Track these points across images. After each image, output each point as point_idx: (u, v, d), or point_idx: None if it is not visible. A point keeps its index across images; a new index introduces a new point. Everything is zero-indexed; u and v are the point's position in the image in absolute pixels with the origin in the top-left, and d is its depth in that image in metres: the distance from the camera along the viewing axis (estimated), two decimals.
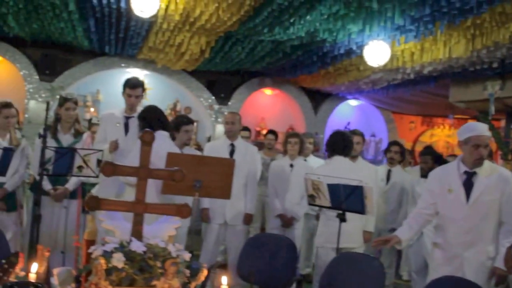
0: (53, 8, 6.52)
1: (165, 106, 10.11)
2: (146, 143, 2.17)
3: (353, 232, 4.44)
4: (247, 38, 7.18)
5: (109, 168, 2.13)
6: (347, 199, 3.94)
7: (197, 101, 10.28)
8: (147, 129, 2.32)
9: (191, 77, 10.03)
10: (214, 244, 5.21)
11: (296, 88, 10.75)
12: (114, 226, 2.21)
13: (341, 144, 4.62)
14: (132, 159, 3.96)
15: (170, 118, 9.81)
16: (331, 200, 4.04)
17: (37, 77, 9.35)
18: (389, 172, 5.93)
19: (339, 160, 4.59)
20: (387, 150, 6.10)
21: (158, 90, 10.11)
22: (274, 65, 8.91)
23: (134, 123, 4.74)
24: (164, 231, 2.22)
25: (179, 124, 5.01)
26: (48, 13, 6.78)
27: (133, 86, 4.81)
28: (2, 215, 4.92)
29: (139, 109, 4.84)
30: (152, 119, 4.25)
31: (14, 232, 4.93)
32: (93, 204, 2.12)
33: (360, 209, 3.97)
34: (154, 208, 2.17)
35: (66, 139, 5.02)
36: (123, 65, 9.72)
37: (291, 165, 5.72)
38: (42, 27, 7.67)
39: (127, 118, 4.84)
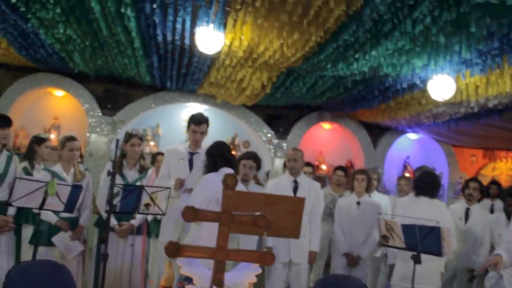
0: (118, 45, 6.69)
1: (223, 139, 10.16)
2: (229, 187, 2.09)
3: (429, 274, 4.27)
4: (309, 73, 7.16)
5: (190, 213, 2.07)
6: (423, 240, 3.86)
7: (256, 135, 10.30)
8: (228, 172, 2.25)
9: (250, 111, 10.09)
10: (277, 283, 5.12)
11: (354, 122, 10.62)
12: (193, 273, 2.13)
13: (430, 185, 4.50)
14: (192, 198, 3.96)
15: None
16: (406, 241, 3.98)
17: (99, 111, 9.55)
18: (467, 210, 5.68)
19: (424, 201, 4.46)
20: (465, 187, 5.90)
21: (217, 124, 10.12)
22: (333, 100, 8.84)
23: (198, 159, 4.77)
24: (245, 278, 2.15)
25: (238, 158, 5.05)
26: (113, 50, 6.97)
27: (199, 123, 4.88)
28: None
29: (204, 145, 4.86)
30: (218, 156, 4.23)
31: (77, 265, 4.99)
32: (173, 251, 2.04)
33: (437, 251, 3.92)
34: (236, 255, 2.10)
35: (131, 175, 5.13)
36: (183, 100, 9.88)
37: (358, 203, 5.59)
38: (106, 63, 7.91)
39: (192, 154, 4.89)
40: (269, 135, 10.24)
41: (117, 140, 4.26)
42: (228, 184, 2.13)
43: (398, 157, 10.98)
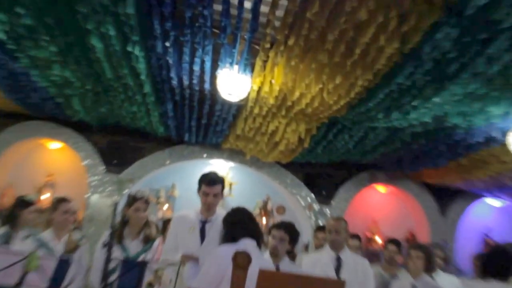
0: (125, 90, 6.82)
1: (253, 205, 10.32)
2: (239, 266, 2.17)
3: None
4: (357, 124, 7.14)
5: None
6: None
7: (293, 200, 10.29)
8: (249, 243, 2.22)
9: (286, 170, 10.14)
10: None
11: (417, 184, 10.51)
12: None
13: (501, 265, 4.37)
14: (202, 276, 3.87)
15: (259, 220, 10.24)
16: None
17: (102, 167, 9.76)
18: None
19: (494, 286, 4.29)
20: None
21: (246, 185, 10.38)
22: (389, 157, 8.77)
23: (212, 229, 4.74)
24: None
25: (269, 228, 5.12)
26: (120, 96, 7.11)
27: (211, 183, 4.88)
28: None
29: (220, 210, 4.85)
30: (237, 224, 4.19)
31: None
32: None
33: None
34: None
35: (134, 246, 5.13)
36: (204, 155, 10.01)
37: (414, 286, 5.40)
38: (111, 111, 8.07)
39: (204, 222, 4.86)
40: (309, 199, 10.20)
41: (116, 204, 4.28)
42: (239, 262, 2.10)
43: (475, 228, 10.68)
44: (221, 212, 4.69)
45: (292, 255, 6.57)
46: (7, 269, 4.00)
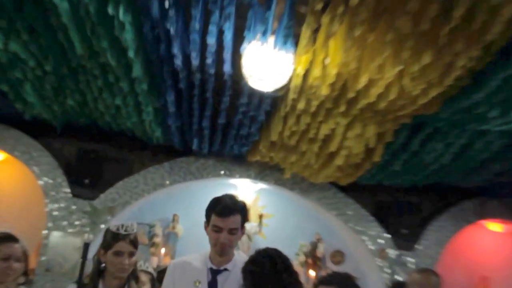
0: (103, 73, 6.89)
1: (295, 249, 10.47)
2: None
3: None
4: (457, 127, 7.14)
5: None
6: None
7: (357, 242, 10.33)
8: None
9: (347, 196, 10.21)
10: None
11: None
12: None
13: None
14: None
15: (303, 272, 10.29)
16: None
17: (67, 190, 9.93)
18: None
19: None
20: None
21: (284, 219, 10.56)
22: (507, 177, 8.73)
23: (227, 283, 4.73)
24: None
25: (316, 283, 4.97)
26: (96, 82, 7.19)
27: (225, 212, 4.73)
28: None
29: (240, 255, 4.85)
30: (264, 278, 4.19)
31: None
32: None
33: None
34: None
35: None
36: (222, 172, 10.13)
37: None
38: (82, 105, 8.17)
39: (215, 273, 4.80)
40: (381, 240, 10.24)
41: (87, 246, 4.32)
42: None
43: None
44: (241, 257, 4.67)
45: None
46: None
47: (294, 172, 9.54)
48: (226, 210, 4.63)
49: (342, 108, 6.90)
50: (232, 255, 4.75)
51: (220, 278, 4.69)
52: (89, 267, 5.05)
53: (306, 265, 10.30)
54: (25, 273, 6.12)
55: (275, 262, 4.20)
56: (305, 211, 10.56)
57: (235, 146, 9.18)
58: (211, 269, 4.70)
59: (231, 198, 4.83)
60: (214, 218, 4.66)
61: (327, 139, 7.88)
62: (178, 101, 7.63)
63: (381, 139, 7.71)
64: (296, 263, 10.20)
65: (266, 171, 10.06)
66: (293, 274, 4.25)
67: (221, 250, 4.72)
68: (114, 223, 4.93)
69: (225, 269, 4.67)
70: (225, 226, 4.68)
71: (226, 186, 10.33)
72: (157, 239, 10.23)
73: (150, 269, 6.69)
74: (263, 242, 9.87)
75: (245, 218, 4.78)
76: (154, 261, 9.94)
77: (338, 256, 10.54)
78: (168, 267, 5.00)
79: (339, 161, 8.45)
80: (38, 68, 6.92)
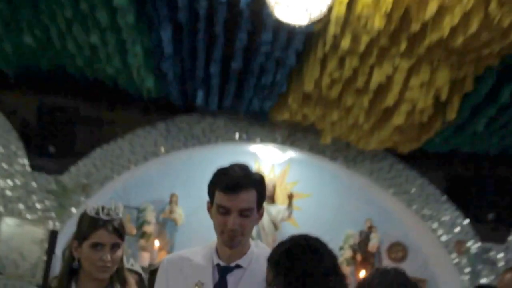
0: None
1: (339, 241, 10.60)
2: None
3: None
4: None
5: None
6: None
7: (423, 230, 10.41)
8: None
9: (408, 168, 10.28)
10: None
11: None
12: None
13: None
14: None
15: (350, 271, 10.40)
16: None
17: (24, 161, 10.17)
18: None
19: None
20: None
21: (323, 199, 10.61)
22: None
23: (241, 283, 4.74)
24: None
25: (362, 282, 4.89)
26: (62, 10, 7.26)
27: (232, 188, 4.75)
28: None
29: (258, 246, 4.85)
30: (300, 279, 4.21)
31: None
32: None
33: None
34: None
35: None
36: (237, 136, 10.25)
37: None
38: (46, 44, 8.28)
39: (223, 270, 4.82)
40: (457, 229, 10.31)
41: (54, 234, 4.27)
42: None
43: None
44: (261, 250, 4.51)
45: None
46: None
47: (336, 135, 9.59)
48: (235, 184, 4.39)
49: (403, 47, 6.95)
50: (247, 247, 4.51)
51: (230, 278, 4.48)
52: (57, 266, 5.13)
53: (354, 263, 10.38)
54: None
55: (322, 258, 4.07)
56: (352, 189, 10.61)
57: (255, 100, 9.28)
58: (218, 266, 4.49)
59: (243, 168, 4.61)
60: (219, 196, 4.43)
61: (382, 89, 7.94)
62: (177, 39, 7.69)
63: (458, 88, 7.78)
64: (341, 260, 10.08)
65: (298, 135, 10.13)
66: (342, 278, 4.04)
67: (230, 240, 4.46)
68: (90, 206, 4.91)
69: (238, 266, 4.43)
70: (234, 206, 4.39)
71: (242, 154, 10.35)
72: (149, 228, 10.32)
73: (137, 268, 6.65)
74: (294, 231, 9.84)
75: (262, 195, 4.50)
76: (145, 257, 10.04)
77: (398, 250, 10.58)
78: (160, 265, 4.86)
79: (398, 119, 8.52)
80: None
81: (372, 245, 10.47)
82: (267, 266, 4.13)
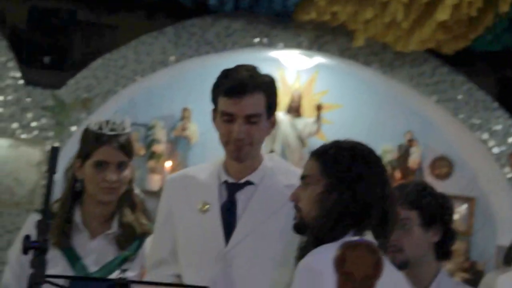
0: None
1: (378, 152, 9.88)
2: (356, 281, 2.35)
3: None
4: None
5: None
6: None
7: (471, 142, 9.95)
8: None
9: (454, 72, 9.69)
10: None
11: None
12: None
13: None
14: None
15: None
16: None
17: (16, 74, 9.77)
18: None
19: None
20: None
21: (356, 110, 10.59)
22: None
23: (252, 201, 4.09)
24: None
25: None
26: None
27: (236, 90, 4.11)
28: None
29: (274, 161, 4.26)
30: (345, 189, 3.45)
31: None
32: None
33: None
34: None
35: (97, 251, 4.62)
36: (257, 40, 10.05)
37: None
38: None
39: (233, 187, 4.18)
40: (509, 139, 9.73)
41: (55, 151, 3.39)
42: (354, 273, 2.39)
43: None
44: (275, 163, 4.09)
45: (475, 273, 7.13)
46: None
47: (370, 36, 9.03)
48: (239, 86, 3.95)
49: None
50: (258, 161, 4.10)
51: (240, 196, 4.09)
52: (57, 191, 4.31)
53: (393, 180, 9.20)
54: None
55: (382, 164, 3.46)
56: (389, 98, 10.08)
57: None
58: (226, 183, 4.11)
59: (249, 69, 4.06)
60: (222, 101, 4.01)
61: None
62: None
63: None
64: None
65: (327, 37, 9.54)
66: (385, 182, 3.43)
67: (237, 150, 4.03)
68: (93, 122, 4.38)
69: (248, 183, 4.04)
70: (239, 111, 3.98)
71: (263, 61, 9.22)
72: (159, 147, 9.77)
73: (137, 191, 6.14)
74: (314, 142, 9.18)
75: (272, 100, 4.07)
76: (155, 180, 9.55)
77: (443, 165, 10.02)
78: (165, 185, 4.44)
79: (442, 14, 8.23)
80: None
81: (413, 160, 10.01)
82: (309, 159, 3.44)
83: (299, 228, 3.55)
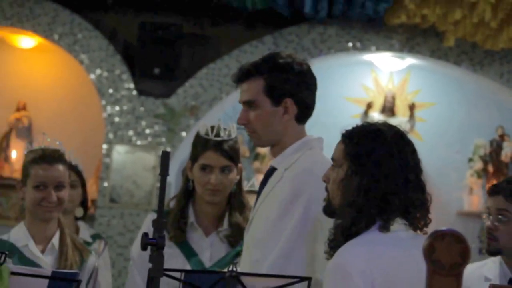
0: None
1: (468, 153, 10.19)
2: (445, 269, 2.08)
3: None
4: None
5: None
6: None
7: None
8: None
9: None
10: None
11: None
12: None
13: None
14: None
15: (481, 184, 10.17)
16: None
17: (130, 85, 9.65)
18: None
19: None
20: None
21: (448, 108, 10.23)
22: None
23: (280, 181, 4.10)
24: None
25: None
26: None
27: (240, 78, 4.23)
28: None
29: (302, 147, 4.26)
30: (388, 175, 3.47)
31: None
32: None
33: None
34: None
35: (210, 245, 4.82)
36: (350, 44, 9.82)
37: None
38: None
39: (268, 172, 4.31)
40: None
41: (166, 155, 3.22)
42: (442, 261, 2.07)
43: None
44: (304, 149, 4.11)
45: None
46: None
47: (460, 36, 8.79)
48: (241, 72, 4.20)
49: None
50: (280, 146, 4.19)
51: (272, 178, 4.15)
52: (170, 192, 4.75)
53: (485, 174, 9.51)
54: (84, 202, 6.11)
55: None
56: (480, 95, 9.75)
57: (368, 3, 8.78)
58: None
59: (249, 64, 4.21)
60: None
61: None
62: None
63: None
64: (470, 172, 9.82)
65: (417, 39, 9.32)
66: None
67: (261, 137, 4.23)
68: (202, 127, 4.63)
69: (273, 168, 4.17)
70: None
71: (357, 64, 10.11)
72: (263, 149, 9.44)
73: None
74: (418, 145, 8.94)
75: (274, 82, 4.09)
76: (260, 180, 8.99)
77: None
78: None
79: None
80: None
81: (505, 154, 9.58)
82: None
83: (326, 210, 3.50)
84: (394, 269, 2.67)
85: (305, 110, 4.10)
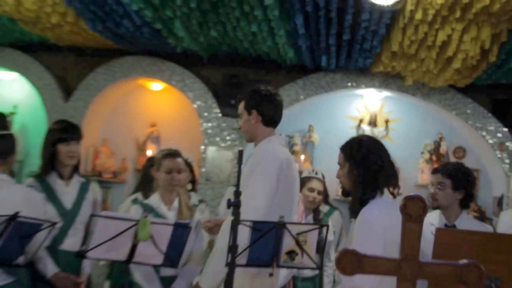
0: (240, 4, 6.96)
1: (420, 148, 10.44)
2: (412, 219, 2.15)
3: None
4: None
5: (351, 261, 2.10)
6: None
7: (476, 137, 10.16)
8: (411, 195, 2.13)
9: (465, 96, 9.87)
10: None
11: None
12: None
13: None
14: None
15: (428, 167, 10.16)
16: None
17: (217, 110, 10.08)
18: None
19: None
20: None
21: (409, 122, 10.44)
22: None
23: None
24: None
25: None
26: (233, 13, 7.26)
27: (237, 101, 4.87)
28: None
29: (269, 141, 4.68)
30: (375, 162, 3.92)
31: None
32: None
33: None
34: None
35: None
36: (349, 84, 10.04)
37: None
38: (224, 35, 8.27)
39: None
40: (499, 134, 9.89)
41: (241, 152, 3.63)
42: (411, 213, 2.14)
43: None
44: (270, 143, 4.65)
45: (481, 213, 6.23)
46: (114, 240, 4.09)
47: (415, 78, 9.32)
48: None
49: (458, 15, 6.72)
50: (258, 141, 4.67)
51: None
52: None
53: (431, 161, 10.22)
54: (192, 181, 6.81)
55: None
56: (427, 113, 10.35)
57: (360, 59, 9.04)
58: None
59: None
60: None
61: (444, 44, 7.64)
62: (307, 23, 7.59)
63: (496, 39, 7.44)
64: (422, 160, 10.25)
65: (389, 80, 9.84)
66: (387, 162, 3.94)
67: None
68: None
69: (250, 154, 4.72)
70: None
71: (353, 96, 10.49)
72: (297, 148, 10.24)
73: None
74: (391, 145, 9.64)
75: (250, 102, 4.69)
76: (296, 167, 9.89)
77: (460, 151, 10.34)
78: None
79: (456, 64, 8.17)
80: (185, 5, 7.03)
81: (443, 149, 10.31)
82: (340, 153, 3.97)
83: (344, 193, 4.03)
84: (395, 220, 2.60)
85: (267, 117, 4.60)
